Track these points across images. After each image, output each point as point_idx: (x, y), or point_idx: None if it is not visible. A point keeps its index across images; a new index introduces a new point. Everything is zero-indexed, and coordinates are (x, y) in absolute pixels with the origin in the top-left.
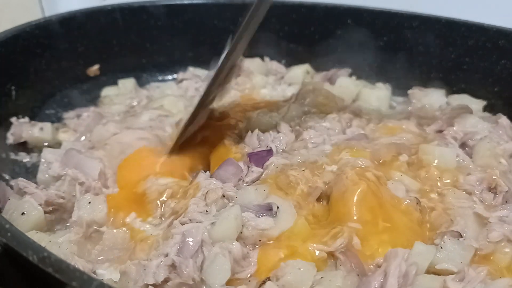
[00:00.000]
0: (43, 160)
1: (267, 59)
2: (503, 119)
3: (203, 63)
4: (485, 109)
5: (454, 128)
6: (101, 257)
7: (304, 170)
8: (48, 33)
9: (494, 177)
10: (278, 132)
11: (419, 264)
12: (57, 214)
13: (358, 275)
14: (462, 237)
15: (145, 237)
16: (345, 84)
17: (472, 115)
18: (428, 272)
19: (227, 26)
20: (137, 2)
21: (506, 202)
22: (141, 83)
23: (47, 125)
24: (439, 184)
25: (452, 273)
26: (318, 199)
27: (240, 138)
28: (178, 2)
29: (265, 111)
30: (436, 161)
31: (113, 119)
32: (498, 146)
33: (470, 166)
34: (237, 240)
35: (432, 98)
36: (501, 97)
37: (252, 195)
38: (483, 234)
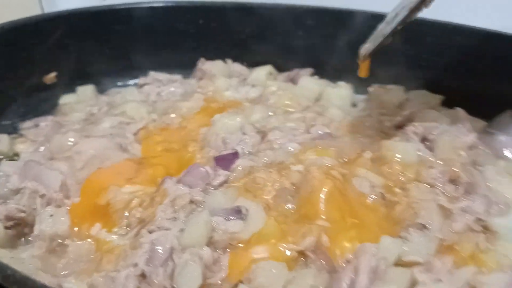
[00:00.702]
0: (1, 173)
1: (229, 61)
2: (461, 113)
3: (164, 67)
4: (443, 103)
5: (415, 124)
6: (67, 271)
7: (271, 171)
8: (1, 41)
9: (455, 169)
10: (244, 134)
11: (388, 258)
12: (18, 228)
13: (328, 272)
14: (426, 229)
15: (111, 248)
16: (307, 84)
17: (432, 110)
18: (396, 264)
19: (188, 29)
20: (93, 7)
21: (467, 193)
22: (100, 90)
23: (4, 137)
24: (402, 179)
25: (419, 264)
26: (286, 200)
27: (204, 143)
28: (137, 6)
29: (229, 113)
30: (398, 156)
31: (72, 127)
32: (458, 139)
33: (431, 159)
34: (207, 245)
35: (392, 94)
36: (458, 91)
37: (220, 199)
38: (447, 225)
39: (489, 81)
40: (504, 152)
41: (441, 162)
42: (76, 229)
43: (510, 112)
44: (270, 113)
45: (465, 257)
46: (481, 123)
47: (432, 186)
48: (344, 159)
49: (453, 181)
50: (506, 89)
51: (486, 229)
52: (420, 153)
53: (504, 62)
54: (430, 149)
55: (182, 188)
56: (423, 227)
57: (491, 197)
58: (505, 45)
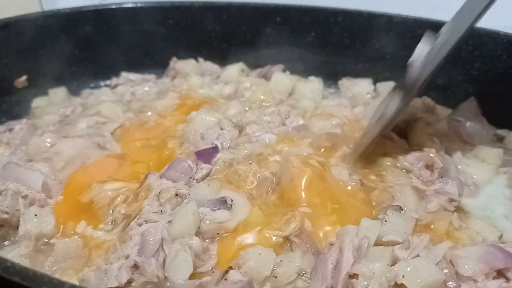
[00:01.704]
0: None
1: (201, 60)
2: (427, 101)
3: (135, 67)
4: None
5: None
6: (55, 268)
7: (250, 163)
8: None
9: (431, 155)
10: (221, 129)
11: (369, 237)
12: (3, 230)
13: (313, 254)
14: (403, 210)
15: (99, 243)
16: (280, 80)
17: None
18: (376, 245)
19: (157, 29)
20: (62, 9)
21: (441, 177)
22: (73, 91)
23: None
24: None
25: (397, 243)
26: (268, 189)
27: (183, 139)
28: (106, 7)
29: (205, 110)
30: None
31: (48, 129)
32: (430, 127)
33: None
34: (195, 235)
35: (361, 86)
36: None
37: (205, 191)
38: (422, 206)
39: (451, 71)
40: (470, 137)
41: (416, 147)
42: (61, 227)
43: (473, 99)
44: (245, 108)
45: (441, 235)
46: (447, 110)
47: (408, 171)
48: (321, 150)
49: (429, 166)
50: (466, 78)
51: (458, 209)
52: None
53: (461, 52)
54: (405, 137)
55: (166, 182)
56: (399, 208)
57: (462, 179)
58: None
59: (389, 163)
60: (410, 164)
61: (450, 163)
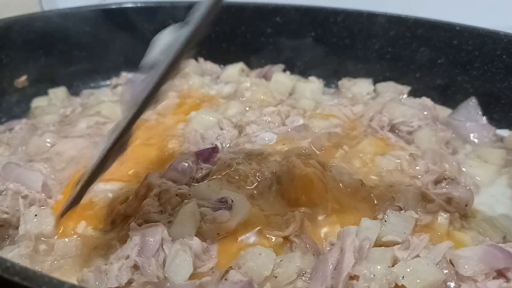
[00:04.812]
0: None
1: (201, 60)
2: (427, 101)
3: (135, 67)
4: (410, 94)
5: (384, 118)
6: (55, 268)
7: (251, 163)
8: None
9: (446, 172)
10: (221, 129)
11: (370, 238)
12: (2, 230)
13: (313, 254)
14: (402, 210)
15: (99, 243)
16: (280, 80)
17: (400, 102)
18: (376, 245)
19: (158, 29)
20: (62, 9)
21: (448, 184)
22: (73, 91)
23: None
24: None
25: (397, 243)
26: (268, 189)
27: (183, 138)
28: (106, 7)
29: (205, 109)
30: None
31: (48, 129)
32: (437, 134)
33: (416, 153)
34: (196, 235)
35: (360, 86)
36: (422, 81)
37: (205, 191)
38: (422, 206)
39: (451, 71)
40: (470, 136)
41: (424, 153)
42: (62, 227)
43: (473, 99)
44: (246, 108)
45: (441, 235)
46: (446, 110)
47: (414, 177)
48: (322, 150)
49: (439, 182)
50: (466, 78)
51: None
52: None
53: (461, 52)
54: (402, 138)
55: (166, 182)
56: (399, 208)
57: (466, 182)
58: (461, 35)
59: (391, 166)
60: (419, 174)
61: (457, 169)
